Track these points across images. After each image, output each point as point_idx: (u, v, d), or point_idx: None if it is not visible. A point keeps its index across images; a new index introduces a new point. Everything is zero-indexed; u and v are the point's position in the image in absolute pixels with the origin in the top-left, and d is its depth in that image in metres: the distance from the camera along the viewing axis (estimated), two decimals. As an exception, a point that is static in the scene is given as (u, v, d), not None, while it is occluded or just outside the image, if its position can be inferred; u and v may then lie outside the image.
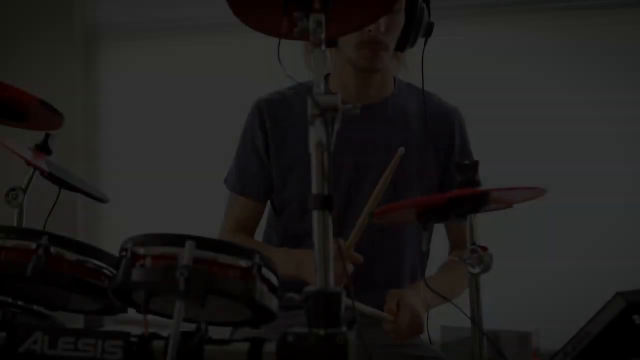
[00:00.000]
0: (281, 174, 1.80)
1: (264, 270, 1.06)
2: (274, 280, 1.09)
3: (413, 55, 1.82)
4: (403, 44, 1.74)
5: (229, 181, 1.87)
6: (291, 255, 1.66)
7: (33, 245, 1.13)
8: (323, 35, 1.09)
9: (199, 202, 3.22)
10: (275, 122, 1.80)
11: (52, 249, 1.13)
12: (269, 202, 1.89)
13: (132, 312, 1.20)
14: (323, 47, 1.08)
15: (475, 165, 1.28)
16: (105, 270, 1.18)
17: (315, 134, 1.01)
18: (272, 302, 1.06)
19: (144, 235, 1.07)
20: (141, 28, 3.44)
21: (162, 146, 3.39)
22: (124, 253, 1.07)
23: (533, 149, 2.81)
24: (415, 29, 1.72)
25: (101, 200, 1.90)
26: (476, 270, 1.26)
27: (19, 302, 1.35)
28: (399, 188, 1.78)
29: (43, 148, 1.82)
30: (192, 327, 1.05)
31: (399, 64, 1.85)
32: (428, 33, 1.76)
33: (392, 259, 1.80)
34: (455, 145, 1.85)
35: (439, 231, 1.90)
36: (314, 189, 1.01)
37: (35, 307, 1.36)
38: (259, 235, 1.91)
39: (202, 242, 1.03)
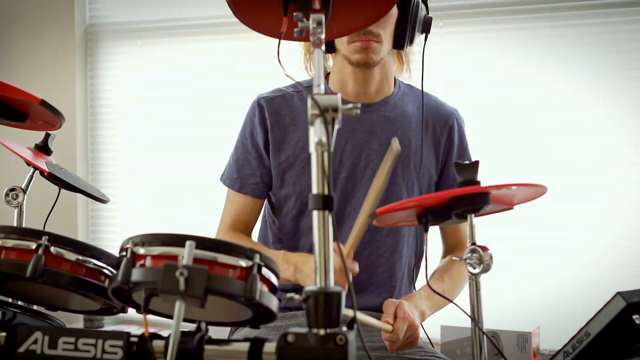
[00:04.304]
0: (280, 171, 1.79)
1: (264, 270, 1.06)
2: (274, 280, 1.09)
3: (415, 56, 1.82)
4: (400, 40, 1.71)
5: (226, 178, 1.87)
6: (289, 259, 1.66)
7: (33, 245, 1.13)
8: (323, 35, 1.09)
9: (199, 202, 3.23)
10: (276, 120, 1.78)
11: (52, 249, 1.13)
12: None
13: (132, 312, 1.20)
14: (323, 47, 1.08)
15: (475, 165, 1.28)
16: (105, 270, 1.18)
17: (315, 133, 1.01)
18: (272, 302, 1.06)
19: (144, 235, 1.06)
20: (141, 28, 3.44)
21: (162, 146, 3.39)
22: (124, 253, 1.07)
23: (533, 150, 2.82)
24: (411, 24, 1.69)
25: (101, 200, 1.90)
26: (476, 270, 1.25)
27: (19, 302, 1.35)
28: (398, 189, 1.78)
29: (43, 148, 1.82)
30: (192, 327, 1.05)
31: (402, 66, 1.84)
32: (426, 29, 1.72)
33: (390, 259, 1.79)
34: (454, 146, 1.84)
35: (436, 232, 1.91)
36: (314, 188, 1.00)
37: (35, 307, 1.36)
38: (254, 232, 1.90)
39: (202, 242, 1.03)
